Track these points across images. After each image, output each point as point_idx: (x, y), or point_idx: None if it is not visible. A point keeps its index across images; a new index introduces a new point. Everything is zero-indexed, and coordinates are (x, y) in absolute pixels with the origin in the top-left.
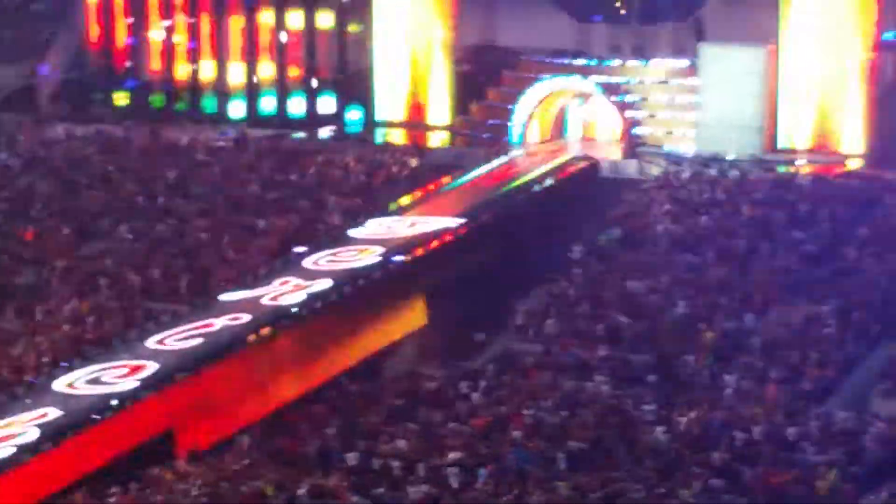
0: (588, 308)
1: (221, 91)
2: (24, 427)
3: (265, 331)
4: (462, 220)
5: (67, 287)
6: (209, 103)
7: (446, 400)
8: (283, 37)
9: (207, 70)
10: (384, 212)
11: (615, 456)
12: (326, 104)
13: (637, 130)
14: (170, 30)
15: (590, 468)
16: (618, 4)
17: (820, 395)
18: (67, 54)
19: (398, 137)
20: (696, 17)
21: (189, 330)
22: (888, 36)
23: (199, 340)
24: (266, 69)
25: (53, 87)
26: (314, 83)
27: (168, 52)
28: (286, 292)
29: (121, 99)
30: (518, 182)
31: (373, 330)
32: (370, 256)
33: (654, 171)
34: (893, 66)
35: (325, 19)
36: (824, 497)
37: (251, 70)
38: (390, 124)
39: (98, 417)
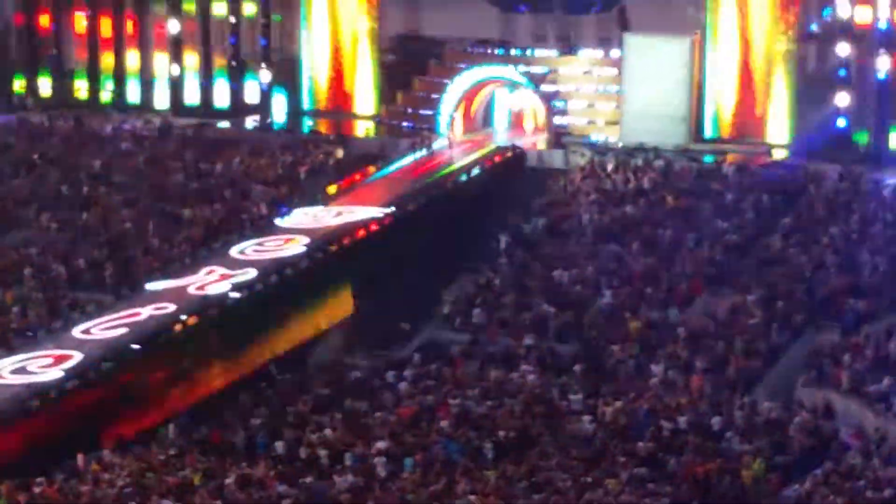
0: (514, 297)
1: (146, 80)
2: None
3: (191, 320)
4: (388, 210)
5: None
6: (133, 92)
7: (373, 389)
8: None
9: (132, 59)
10: (310, 201)
11: (542, 445)
12: (251, 93)
13: (562, 120)
14: (94, 18)
15: (517, 457)
16: None
17: (745, 384)
18: None
19: (324, 127)
20: (621, 6)
21: (115, 320)
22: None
23: (125, 330)
24: (190, 58)
25: None
26: (239, 72)
27: (92, 40)
28: (212, 282)
29: (44, 87)
30: (444, 172)
31: (299, 319)
32: (296, 246)
33: (580, 160)
34: (816, 56)
35: (249, 8)
36: (750, 486)
37: (175, 59)
38: (316, 113)
39: (23, 407)
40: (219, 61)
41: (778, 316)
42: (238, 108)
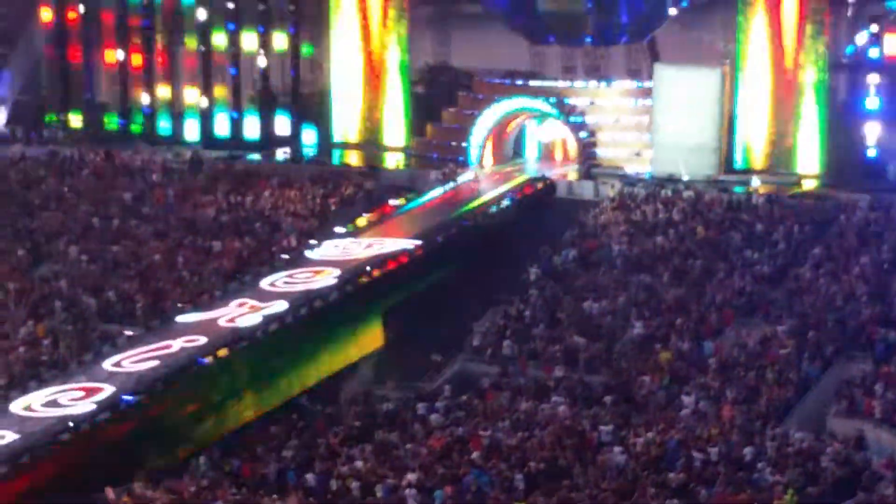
0: (544, 329)
1: (176, 112)
2: None
3: (222, 353)
4: (418, 242)
5: (23, 309)
6: (164, 125)
7: (404, 421)
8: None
9: (162, 92)
10: (340, 234)
11: (573, 477)
12: (281, 125)
13: (592, 151)
14: (124, 52)
15: (547, 489)
16: (568, 30)
17: (776, 415)
18: (21, 76)
19: (354, 159)
20: (651, 38)
21: (145, 352)
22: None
23: (156, 363)
24: (220, 91)
25: (7, 108)
26: (268, 104)
27: (122, 74)
28: (243, 314)
29: (75, 120)
30: (474, 203)
31: (330, 352)
32: (326, 278)
33: (610, 191)
34: (846, 86)
35: (280, 41)
36: None
37: (205, 92)
38: (346, 145)
39: (55, 440)
40: (248, 94)
41: (809, 346)
42: (268, 141)
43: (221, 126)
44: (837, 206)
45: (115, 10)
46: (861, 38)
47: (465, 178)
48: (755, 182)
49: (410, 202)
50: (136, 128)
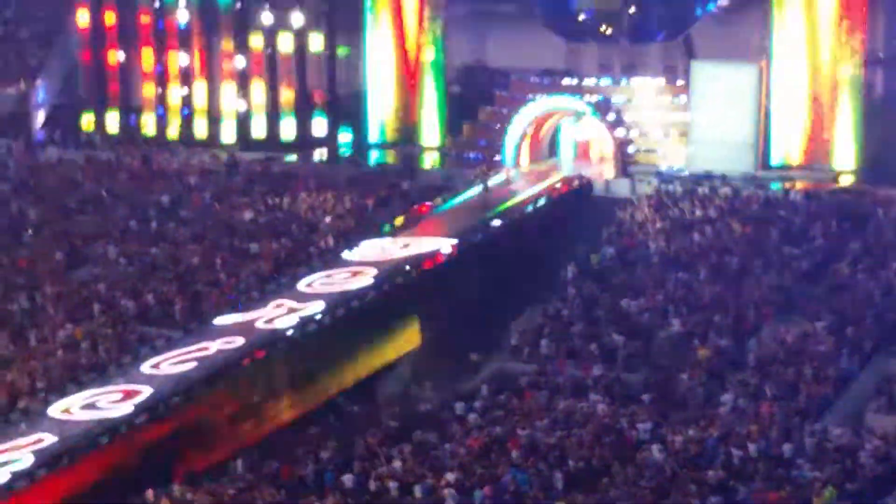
0: (582, 327)
1: (213, 115)
2: (20, 453)
3: (260, 354)
4: (455, 241)
5: (61, 312)
6: (200, 128)
7: (442, 421)
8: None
9: (199, 94)
10: (377, 234)
11: (611, 475)
12: (318, 126)
13: (629, 149)
14: (160, 54)
15: (586, 487)
16: (603, 28)
17: (815, 411)
18: (58, 79)
19: (390, 159)
20: (687, 34)
21: (183, 354)
22: None
23: (194, 364)
24: (257, 93)
25: (44, 111)
26: (305, 106)
27: (159, 76)
28: (280, 315)
29: (112, 124)
30: (511, 202)
31: (367, 352)
32: (364, 278)
33: (647, 189)
34: (883, 81)
35: (316, 42)
36: None
37: (242, 94)
38: (382, 146)
39: (93, 443)
40: (285, 95)
41: (848, 342)
42: (305, 142)
43: (258, 128)
44: (875, 202)
45: (152, 13)
46: None
47: (497, 179)
48: (793, 179)
49: (447, 201)
50: (172, 130)
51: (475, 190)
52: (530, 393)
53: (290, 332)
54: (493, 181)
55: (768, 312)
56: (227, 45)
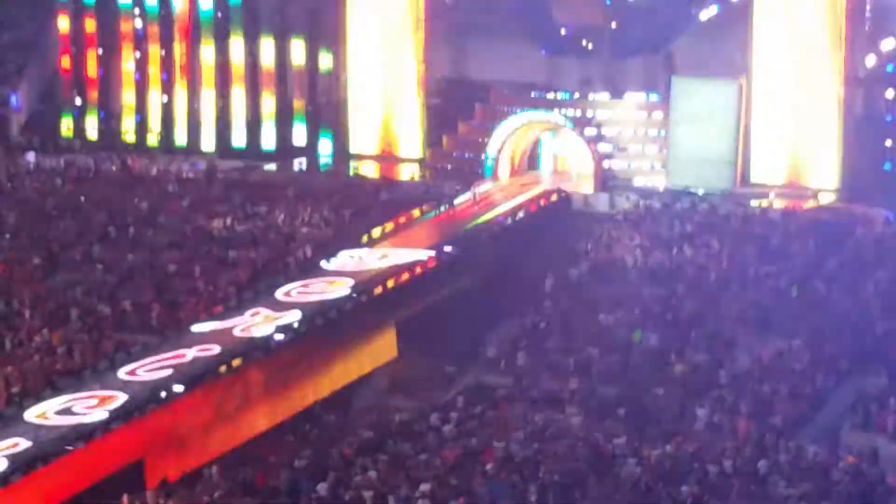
0: (559, 341)
1: (193, 122)
2: None
3: (236, 362)
4: (433, 253)
5: (38, 318)
6: (180, 135)
7: (417, 432)
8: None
9: (179, 101)
10: (355, 244)
11: (586, 489)
12: (298, 135)
13: (608, 164)
14: (141, 61)
15: (561, 501)
16: (585, 42)
17: (791, 428)
18: (38, 85)
19: (370, 170)
20: (667, 50)
21: (159, 361)
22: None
23: (170, 371)
24: (238, 100)
25: (23, 117)
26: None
27: (139, 83)
28: (257, 324)
29: (91, 129)
30: (489, 215)
31: (343, 362)
32: (341, 288)
33: (626, 204)
34: (863, 100)
35: (297, 51)
36: None
37: (222, 101)
38: (361, 156)
39: (68, 448)
40: (266, 104)
41: (824, 360)
42: (285, 151)
43: (238, 136)
44: (853, 220)
45: (132, 19)
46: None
47: (485, 187)
48: (772, 196)
49: (426, 213)
50: (152, 137)
51: (455, 200)
52: (506, 405)
53: (266, 341)
54: (476, 192)
55: (745, 329)
56: (207, 52)
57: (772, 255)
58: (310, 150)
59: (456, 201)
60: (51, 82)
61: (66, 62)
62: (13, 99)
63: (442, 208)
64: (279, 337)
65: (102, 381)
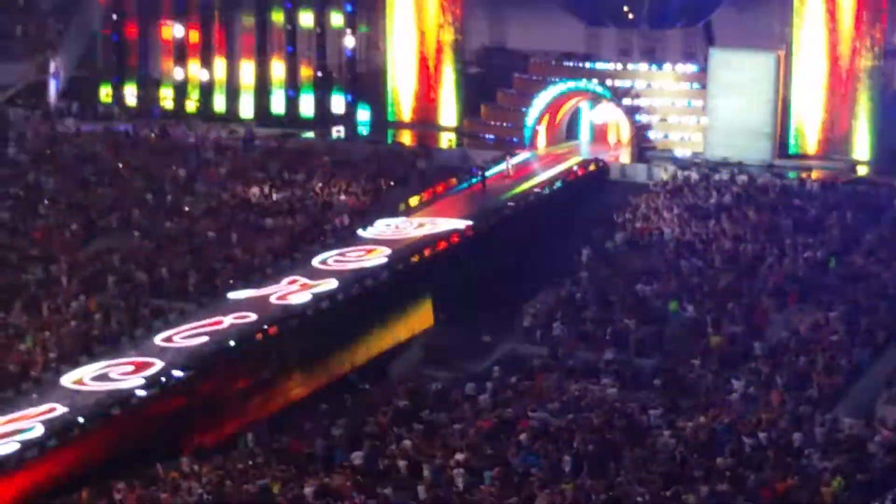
0: (595, 311)
1: (231, 89)
2: (31, 422)
3: (272, 330)
4: (470, 222)
5: (75, 284)
6: (219, 102)
7: (452, 401)
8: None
9: (218, 69)
10: (392, 212)
11: (621, 459)
12: (337, 104)
13: (647, 134)
14: (180, 28)
15: (595, 471)
16: (626, 9)
17: (826, 401)
18: (77, 51)
19: (407, 138)
20: (707, 21)
21: (196, 328)
22: None
23: (206, 338)
24: (277, 68)
25: (63, 83)
26: (324, 83)
27: (178, 50)
28: (293, 291)
29: (130, 97)
30: (526, 185)
31: (379, 331)
32: (377, 257)
33: (663, 175)
34: None
35: (336, 19)
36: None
37: (261, 69)
38: (400, 125)
39: (104, 414)
40: (305, 72)
41: (860, 332)
42: (323, 119)
43: (277, 104)
44: (891, 193)
45: None
46: None
47: (523, 157)
48: (810, 168)
49: (462, 183)
50: (190, 104)
51: (493, 170)
52: (542, 375)
53: (303, 309)
54: (513, 163)
55: (782, 301)
56: (247, 20)
57: (809, 227)
58: (348, 119)
59: (489, 172)
60: (90, 49)
61: (105, 29)
62: (54, 66)
63: (474, 180)
64: (316, 305)
65: (139, 347)
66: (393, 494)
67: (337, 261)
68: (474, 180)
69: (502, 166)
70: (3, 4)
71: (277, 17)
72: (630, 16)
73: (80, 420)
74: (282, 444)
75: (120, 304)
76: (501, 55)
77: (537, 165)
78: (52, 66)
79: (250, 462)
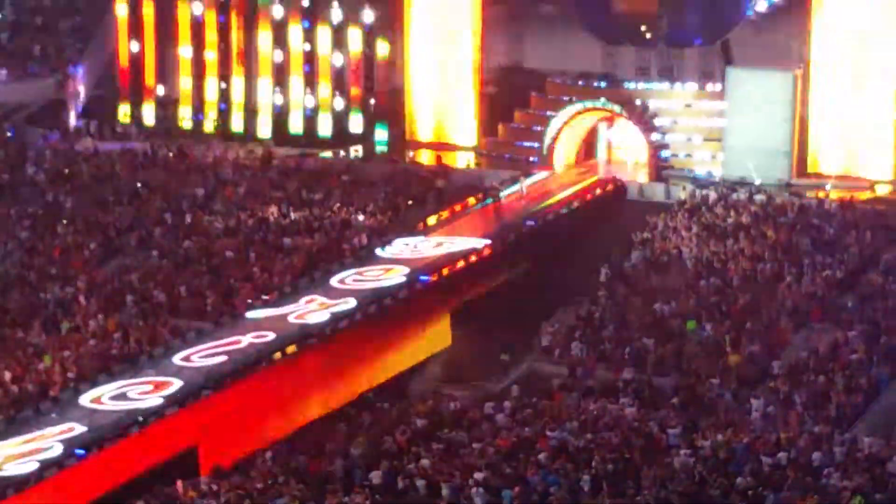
0: (613, 330)
1: (249, 109)
2: (49, 442)
3: (290, 349)
4: (488, 241)
5: (94, 303)
6: (237, 121)
7: (471, 421)
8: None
9: (236, 88)
10: (410, 232)
11: (639, 478)
12: (355, 123)
13: (664, 153)
14: (198, 48)
15: (614, 491)
16: (643, 29)
17: (846, 420)
18: (96, 70)
19: (425, 158)
20: (724, 40)
21: (214, 347)
22: None
23: (224, 358)
24: (295, 88)
25: (81, 102)
26: (342, 102)
27: (196, 69)
28: (312, 311)
29: (148, 116)
30: (544, 204)
31: (398, 350)
32: (396, 276)
33: (681, 194)
34: None
35: (354, 39)
36: None
37: (279, 89)
38: (418, 144)
39: (122, 433)
40: (323, 91)
41: (880, 351)
42: (341, 138)
43: (295, 123)
44: None
45: (190, 5)
46: None
47: (540, 176)
48: (828, 187)
49: (481, 201)
50: (208, 124)
51: (511, 189)
52: (560, 394)
53: (321, 328)
54: (528, 183)
55: (800, 320)
56: (265, 39)
57: (827, 246)
58: (366, 138)
59: (503, 193)
60: (109, 68)
61: (123, 48)
62: (72, 85)
63: (488, 200)
64: (333, 324)
65: (157, 366)
66: None
67: (355, 280)
68: (489, 201)
69: (516, 187)
70: (22, 24)
71: (295, 36)
72: (648, 35)
73: (99, 439)
74: (300, 463)
75: (138, 323)
76: (519, 74)
77: (554, 185)
78: (72, 86)
79: (269, 481)
